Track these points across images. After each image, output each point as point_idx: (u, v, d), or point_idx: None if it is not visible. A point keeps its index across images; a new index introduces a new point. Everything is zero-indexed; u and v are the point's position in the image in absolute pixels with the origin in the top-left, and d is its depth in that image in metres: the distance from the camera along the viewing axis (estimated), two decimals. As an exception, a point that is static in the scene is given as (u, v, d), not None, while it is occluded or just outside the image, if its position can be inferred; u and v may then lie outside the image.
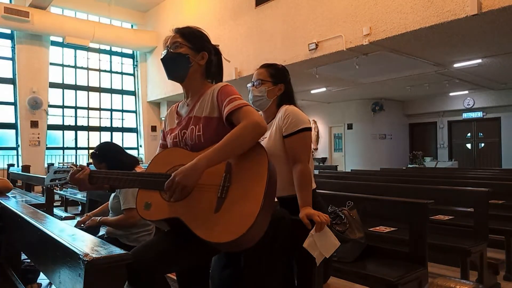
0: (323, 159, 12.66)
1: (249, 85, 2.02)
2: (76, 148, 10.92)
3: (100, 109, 11.38)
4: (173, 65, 1.56)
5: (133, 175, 1.49)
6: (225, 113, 1.43)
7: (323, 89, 9.82)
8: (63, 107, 10.71)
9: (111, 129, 11.60)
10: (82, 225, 2.59)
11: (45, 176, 1.65)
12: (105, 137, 11.36)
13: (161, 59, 1.58)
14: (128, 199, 2.41)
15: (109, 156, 2.50)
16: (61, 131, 10.73)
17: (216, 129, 1.47)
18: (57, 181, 1.59)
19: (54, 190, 4.15)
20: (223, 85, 1.53)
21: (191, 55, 1.54)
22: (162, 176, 1.40)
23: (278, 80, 1.98)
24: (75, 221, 2.82)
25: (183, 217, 1.33)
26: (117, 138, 11.62)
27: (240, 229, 1.25)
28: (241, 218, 1.27)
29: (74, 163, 9.96)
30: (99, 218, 2.60)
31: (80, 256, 1.00)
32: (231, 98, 1.45)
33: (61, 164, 1.88)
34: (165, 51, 1.57)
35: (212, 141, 1.41)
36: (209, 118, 1.50)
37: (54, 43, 10.19)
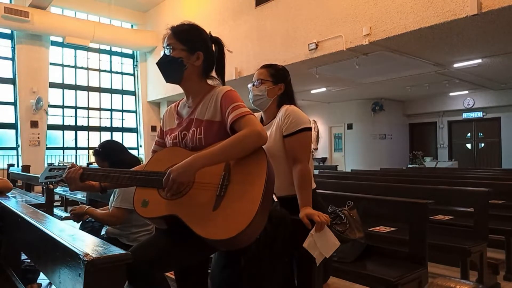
0: (323, 159, 12.66)
1: (249, 85, 2.03)
2: (76, 148, 10.91)
3: (100, 109, 11.37)
4: (168, 69, 1.55)
5: (130, 173, 1.48)
6: (229, 121, 1.44)
7: (323, 89, 9.82)
8: (63, 107, 10.70)
9: (111, 129, 11.60)
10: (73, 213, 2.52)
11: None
12: (105, 137, 11.35)
13: (156, 63, 1.57)
14: (119, 199, 2.40)
15: (112, 154, 2.50)
16: (61, 131, 10.73)
17: (218, 133, 1.47)
18: (51, 178, 1.58)
19: (54, 189, 4.15)
20: (227, 89, 1.52)
21: (185, 57, 1.51)
22: (160, 174, 1.40)
23: (278, 80, 1.98)
24: (75, 222, 2.81)
25: (181, 214, 1.34)
26: (117, 138, 11.59)
27: (238, 227, 1.25)
28: (239, 216, 1.27)
29: (74, 162, 9.94)
30: (87, 206, 2.55)
31: (80, 256, 1.00)
32: (235, 105, 1.45)
33: (61, 164, 1.88)
34: (162, 52, 1.56)
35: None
36: (211, 122, 1.49)
37: (54, 43, 10.18)
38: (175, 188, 1.34)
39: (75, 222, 2.69)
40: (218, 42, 1.61)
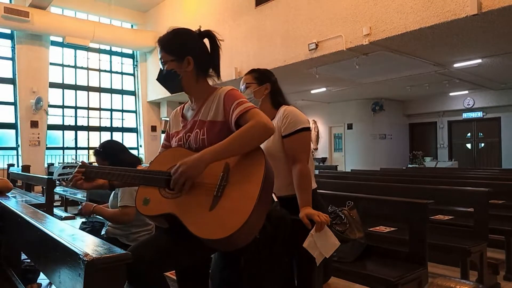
0: (323, 159, 12.67)
1: None
2: (76, 148, 10.92)
3: (100, 109, 11.38)
4: (167, 82, 1.61)
5: (135, 171, 1.51)
6: (234, 116, 1.45)
7: (323, 89, 9.81)
8: (63, 107, 10.71)
9: (111, 129, 11.60)
10: (81, 212, 2.53)
11: (45, 176, 1.67)
12: (105, 137, 11.35)
13: (156, 80, 1.63)
14: (125, 197, 2.41)
15: (112, 154, 2.51)
16: (61, 131, 10.73)
17: (220, 133, 1.48)
18: (64, 175, 1.61)
19: (56, 188, 4.16)
20: (229, 89, 1.54)
21: (177, 67, 1.54)
22: (163, 173, 1.42)
23: (263, 81, 2.02)
24: (75, 221, 2.82)
25: (178, 213, 1.35)
26: (117, 138, 11.57)
27: (233, 226, 1.26)
28: (235, 216, 1.28)
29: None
30: (95, 205, 2.55)
31: (80, 256, 1.00)
32: (239, 101, 1.47)
33: (61, 164, 1.90)
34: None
35: None
36: (213, 122, 1.51)
37: (54, 43, 10.18)
38: (182, 182, 1.35)
39: (83, 218, 2.69)
40: (209, 34, 1.59)
